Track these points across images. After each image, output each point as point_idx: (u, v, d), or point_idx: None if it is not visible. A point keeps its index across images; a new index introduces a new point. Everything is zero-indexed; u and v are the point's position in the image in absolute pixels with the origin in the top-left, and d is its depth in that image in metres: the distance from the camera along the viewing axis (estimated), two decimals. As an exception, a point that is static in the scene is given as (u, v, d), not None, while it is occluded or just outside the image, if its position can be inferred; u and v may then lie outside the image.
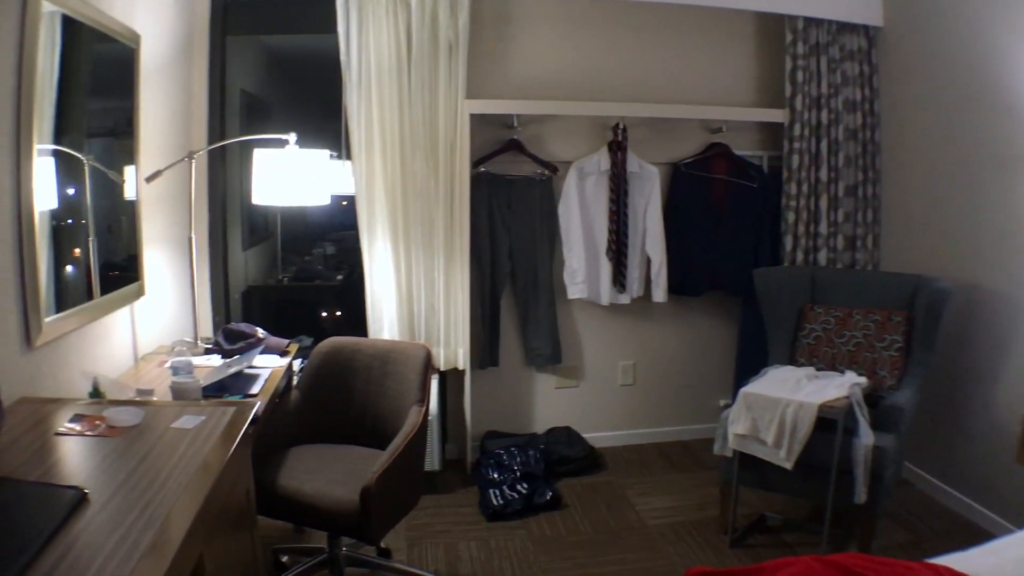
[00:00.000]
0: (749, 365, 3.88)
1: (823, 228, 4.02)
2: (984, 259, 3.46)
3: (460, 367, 3.76)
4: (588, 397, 4.22)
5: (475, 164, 3.69)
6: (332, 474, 2.60)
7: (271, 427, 2.71)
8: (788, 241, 4.00)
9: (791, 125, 3.95)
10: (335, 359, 3.01)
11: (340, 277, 5.57)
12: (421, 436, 2.73)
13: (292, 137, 3.02)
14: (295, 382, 3.05)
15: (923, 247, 3.84)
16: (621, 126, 3.75)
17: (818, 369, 3.38)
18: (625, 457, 4.17)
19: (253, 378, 2.64)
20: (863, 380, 3.16)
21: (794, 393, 3.02)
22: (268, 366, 2.81)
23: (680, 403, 4.35)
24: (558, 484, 3.76)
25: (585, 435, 4.10)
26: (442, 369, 3.74)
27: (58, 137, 2.22)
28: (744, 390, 3.06)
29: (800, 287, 3.63)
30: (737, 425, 3.04)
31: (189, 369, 2.35)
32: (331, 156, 3.79)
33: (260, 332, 3.05)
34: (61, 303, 2.26)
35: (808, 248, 4.04)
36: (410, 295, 3.68)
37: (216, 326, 3.60)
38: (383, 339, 3.51)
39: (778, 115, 3.94)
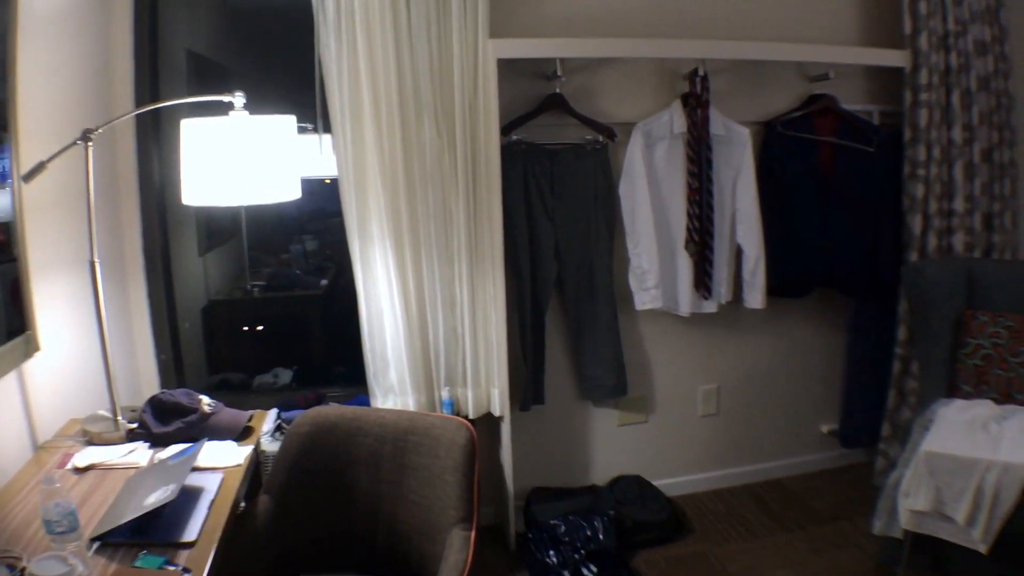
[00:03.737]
0: (861, 381, 3.63)
1: (958, 204, 3.38)
2: None
3: (496, 413, 3.09)
4: (661, 434, 3.69)
5: (505, 130, 3.04)
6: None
7: (227, 563, 1.78)
8: (916, 222, 3.34)
9: (915, 71, 3.30)
10: (324, 444, 2.22)
11: (324, 282, 4.61)
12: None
13: (238, 98, 2.14)
14: (265, 479, 2.26)
15: None
16: (701, 72, 3.08)
17: (997, 402, 2.81)
18: (712, 509, 3.57)
19: (190, 500, 1.82)
20: None
21: (994, 450, 2.47)
22: (218, 466, 2.03)
23: (775, 433, 3.86)
24: (635, 559, 3.13)
25: (659, 482, 3.58)
26: (471, 417, 3.05)
27: None
28: (927, 449, 2.54)
29: (957, 287, 3.04)
30: (917, 499, 2.52)
31: (67, 511, 1.49)
32: (304, 129, 3.21)
33: (206, 404, 2.28)
34: None
35: (942, 230, 3.40)
36: (422, 319, 2.99)
37: (161, 366, 3.04)
38: (395, 411, 2.64)
39: (897, 58, 3.31)
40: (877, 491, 3.31)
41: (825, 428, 3.82)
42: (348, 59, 2.75)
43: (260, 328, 4.39)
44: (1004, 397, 2.81)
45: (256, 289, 4.52)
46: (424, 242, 2.91)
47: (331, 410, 2.27)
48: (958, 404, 2.78)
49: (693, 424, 3.70)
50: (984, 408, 2.73)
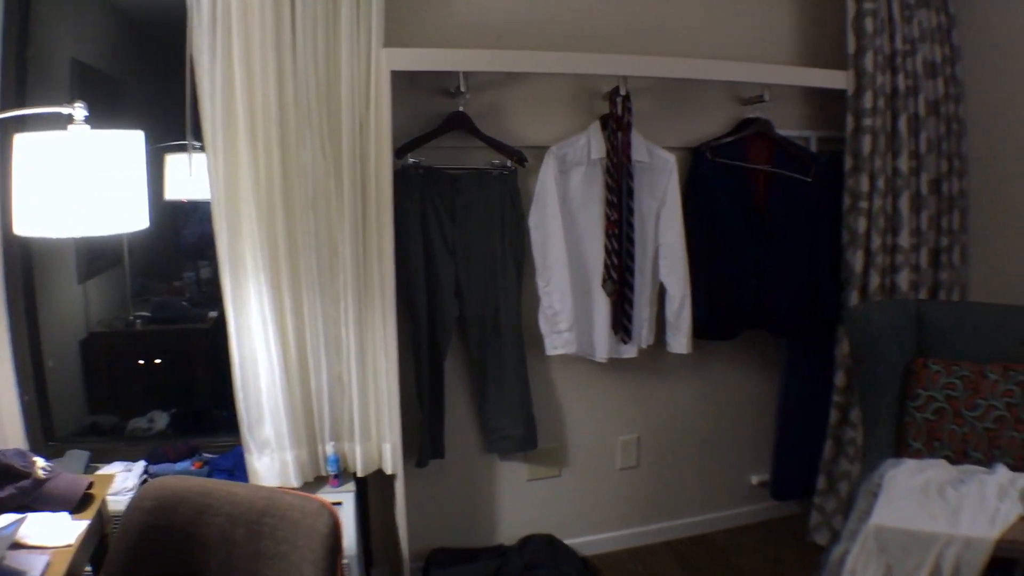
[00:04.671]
0: (794, 430, 3.53)
1: (904, 239, 3.25)
2: None
3: (388, 470, 2.89)
4: (575, 489, 3.56)
5: (400, 152, 2.87)
6: None
7: None
8: (858, 258, 3.23)
9: (858, 94, 3.20)
10: (169, 523, 1.98)
11: (213, 314, 4.32)
12: None
13: (79, 110, 1.86)
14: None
15: (1019, 266, 3.42)
16: (623, 91, 2.92)
17: (952, 462, 2.72)
18: (631, 569, 3.44)
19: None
20: None
21: (953, 522, 2.37)
22: (45, 546, 1.87)
23: (700, 485, 3.77)
24: (542, 627, 2.91)
25: (572, 541, 3.46)
26: (360, 475, 2.87)
27: None
28: (877, 523, 2.40)
29: (905, 333, 2.92)
30: (864, 579, 2.34)
31: None
32: (171, 145, 3.03)
33: (40, 467, 2.07)
34: None
35: (885, 267, 3.28)
36: (303, 364, 2.77)
37: (25, 408, 2.83)
38: (250, 487, 2.35)
39: (839, 79, 3.22)
40: (811, 548, 3.15)
41: (755, 479, 3.73)
42: (222, 66, 2.54)
43: (140, 364, 4.13)
44: (959, 456, 2.72)
45: (139, 321, 4.25)
46: (305, 277, 2.70)
47: (177, 482, 2.02)
48: (909, 465, 2.68)
49: (611, 477, 3.58)
50: (938, 470, 2.64)
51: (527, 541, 3.33)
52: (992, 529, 2.29)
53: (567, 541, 3.38)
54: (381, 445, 2.88)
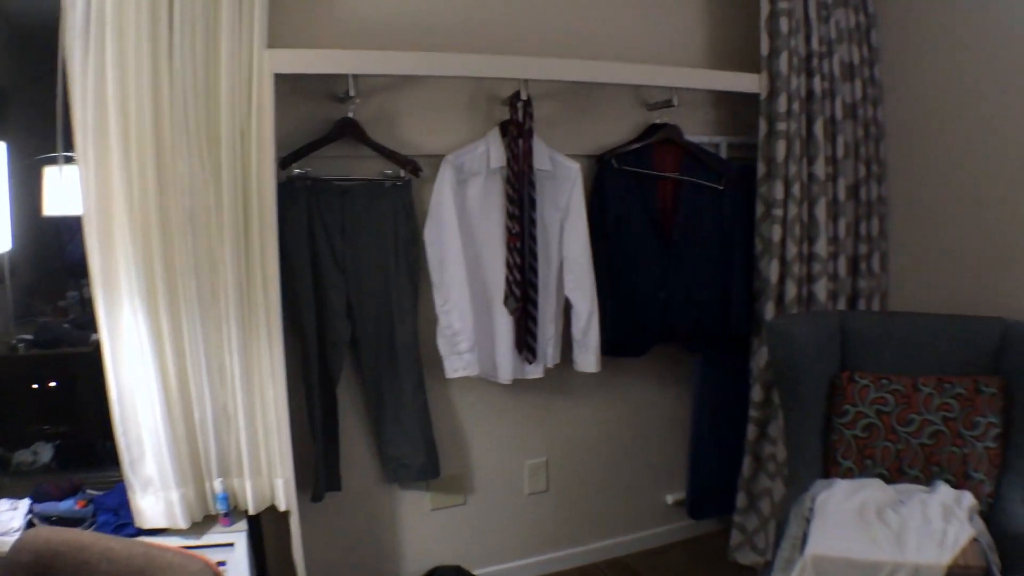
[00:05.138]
0: (709, 447, 3.66)
1: (821, 248, 3.39)
2: None
3: (281, 507, 2.91)
4: (482, 517, 3.63)
5: (285, 162, 2.90)
6: None
7: None
8: (773, 268, 3.35)
9: (772, 97, 3.34)
10: None
11: (96, 337, 4.29)
12: None
13: None
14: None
15: (943, 271, 3.52)
16: (524, 96, 3.01)
17: (887, 480, 2.80)
18: None
19: None
20: (972, 499, 2.60)
21: (898, 548, 2.39)
22: None
23: (614, 507, 3.86)
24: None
25: (481, 571, 3.58)
26: (252, 513, 2.89)
27: None
28: (814, 553, 2.40)
29: (828, 346, 3.02)
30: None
31: None
32: (50, 157, 2.99)
33: None
34: None
35: (802, 277, 3.42)
36: (184, 395, 2.77)
37: None
38: (127, 541, 2.36)
39: (752, 82, 3.36)
40: (732, 568, 3.34)
41: (671, 499, 3.85)
42: (95, 70, 2.55)
43: (24, 391, 4.11)
44: (894, 473, 2.82)
45: (22, 344, 4.20)
46: (184, 299, 2.71)
47: (53, 534, 2.05)
48: (842, 486, 2.72)
49: (519, 503, 3.67)
50: (874, 490, 2.68)
51: (433, 573, 3.41)
52: (942, 554, 2.32)
53: (476, 572, 3.46)
54: (273, 480, 2.91)
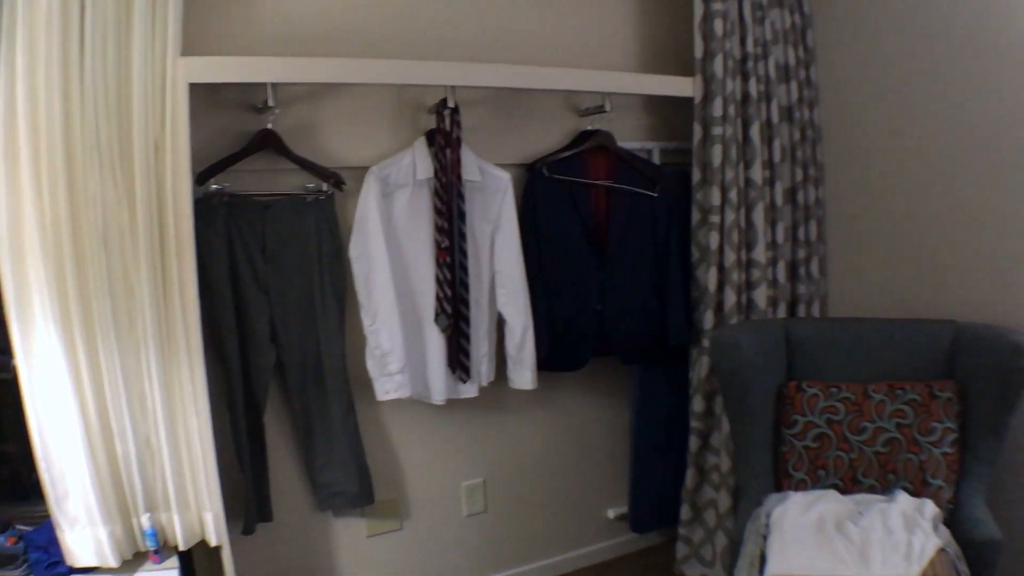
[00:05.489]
0: (650, 459, 3.75)
1: (760, 253, 3.52)
2: (976, 290, 3.24)
3: (212, 541, 2.92)
4: (419, 541, 3.68)
5: (201, 178, 2.93)
6: None
7: None
8: (711, 276, 3.47)
9: (707, 101, 3.45)
10: None
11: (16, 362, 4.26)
12: None
13: None
14: None
15: (884, 274, 3.62)
16: (451, 103, 3.09)
17: (842, 490, 2.87)
18: None
19: None
20: (934, 507, 2.67)
21: (863, 563, 2.44)
22: None
23: (555, 525, 3.94)
24: None
25: None
26: (182, 549, 2.90)
27: None
28: (773, 573, 2.46)
29: (774, 355, 3.12)
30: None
31: None
32: None
33: None
34: None
35: (741, 284, 3.53)
36: (105, 427, 2.76)
37: None
38: None
39: (685, 86, 3.46)
40: None
41: (612, 513, 3.93)
42: (5, 82, 2.55)
43: None
44: (849, 484, 2.87)
45: None
46: (100, 326, 2.70)
47: None
48: (797, 500, 2.78)
49: (457, 526, 3.73)
50: (831, 502, 2.73)
51: (370, 603, 3.40)
52: (910, 567, 2.37)
53: (414, 599, 3.45)
54: (202, 514, 2.92)
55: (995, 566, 2.61)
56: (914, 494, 2.76)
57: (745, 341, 3.09)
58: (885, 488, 2.83)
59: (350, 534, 3.54)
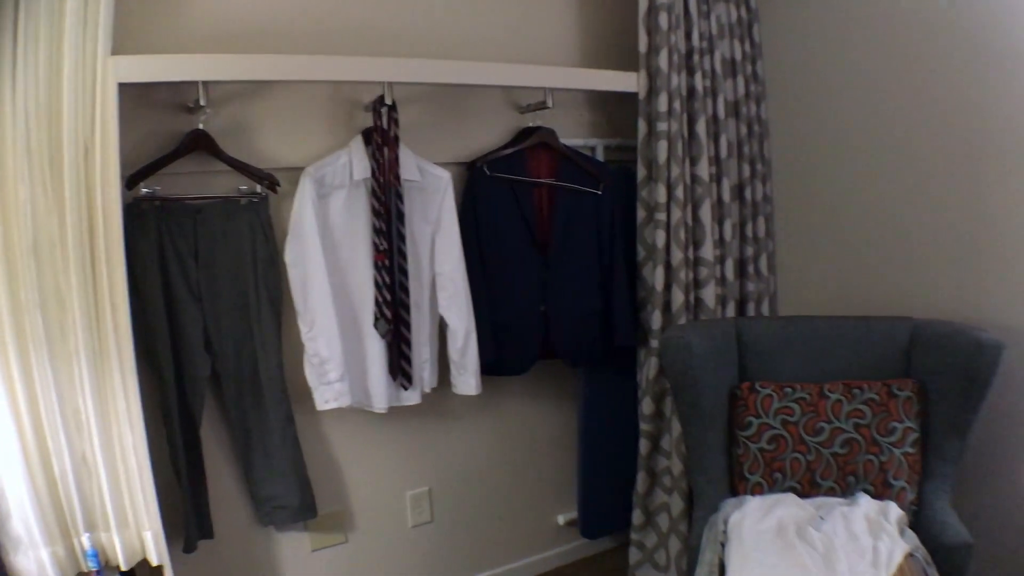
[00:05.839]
0: (599, 463, 3.83)
1: (708, 251, 3.61)
2: (929, 287, 3.33)
3: (154, 561, 2.94)
4: (365, 554, 3.70)
5: (131, 181, 2.93)
6: None
7: None
8: (658, 275, 3.55)
9: (651, 96, 3.52)
10: None
11: None
12: None
13: None
14: None
15: (833, 271, 3.75)
16: (388, 100, 3.11)
17: (800, 493, 2.92)
18: None
19: None
20: (897, 510, 2.71)
21: (827, 569, 2.44)
22: None
23: (503, 533, 4.02)
24: None
25: None
26: (124, 569, 2.93)
27: None
28: None
29: (726, 356, 3.17)
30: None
31: None
32: None
33: None
34: None
35: (689, 283, 3.62)
36: (42, 445, 2.79)
37: None
38: None
39: (629, 81, 3.52)
40: None
41: (562, 519, 4.01)
42: None
43: None
44: (808, 487, 2.92)
45: None
46: (32, 339, 2.72)
47: None
48: (754, 504, 2.81)
49: (404, 537, 3.75)
50: (790, 506, 2.76)
51: (318, 617, 3.45)
52: (878, 573, 2.39)
53: (362, 613, 3.55)
54: (142, 532, 2.93)
55: (966, 570, 2.64)
56: (876, 496, 2.80)
57: (695, 341, 3.10)
58: (845, 491, 2.88)
59: (294, 549, 3.56)
